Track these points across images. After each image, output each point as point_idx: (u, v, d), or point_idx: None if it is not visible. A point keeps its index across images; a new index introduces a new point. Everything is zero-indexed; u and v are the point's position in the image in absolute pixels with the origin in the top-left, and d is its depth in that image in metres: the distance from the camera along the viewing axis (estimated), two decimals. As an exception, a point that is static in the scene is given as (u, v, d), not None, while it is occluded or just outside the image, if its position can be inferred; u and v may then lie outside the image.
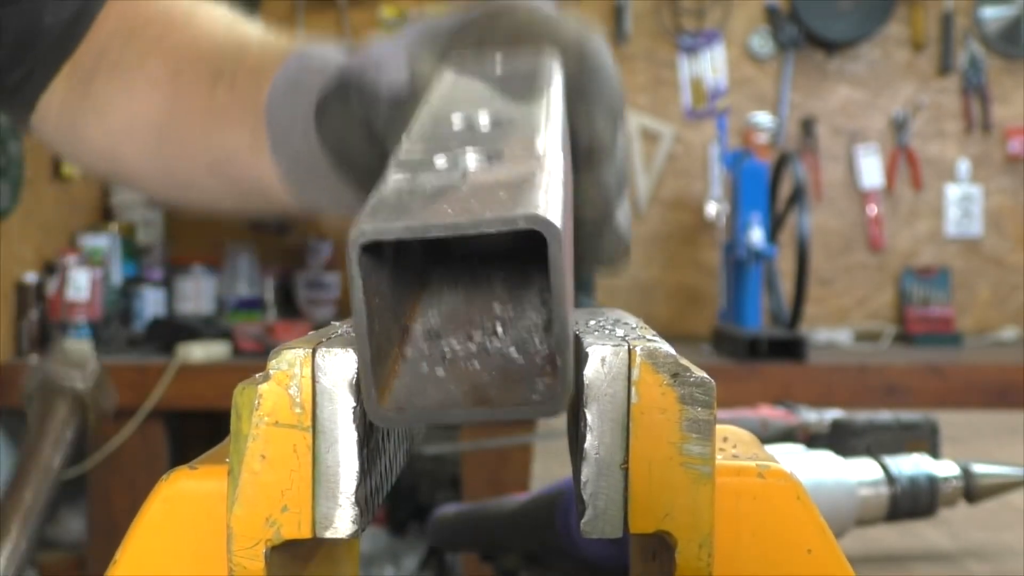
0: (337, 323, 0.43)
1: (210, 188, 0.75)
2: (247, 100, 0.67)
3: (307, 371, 0.35)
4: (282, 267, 3.12)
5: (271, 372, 0.35)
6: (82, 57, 0.76)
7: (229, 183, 0.73)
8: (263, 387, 0.35)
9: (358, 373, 0.34)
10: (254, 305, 2.99)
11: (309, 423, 0.35)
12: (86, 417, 0.87)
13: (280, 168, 0.64)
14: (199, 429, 2.73)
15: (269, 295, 3.01)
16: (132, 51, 0.75)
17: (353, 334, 0.37)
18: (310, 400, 0.35)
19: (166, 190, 0.79)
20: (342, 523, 0.36)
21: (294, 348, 0.36)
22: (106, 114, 0.75)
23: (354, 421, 0.35)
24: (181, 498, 0.37)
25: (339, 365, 0.35)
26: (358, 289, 0.31)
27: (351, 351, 0.35)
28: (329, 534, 0.36)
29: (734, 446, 0.43)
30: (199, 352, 2.46)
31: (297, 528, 0.36)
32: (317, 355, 0.35)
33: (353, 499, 0.36)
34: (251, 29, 0.74)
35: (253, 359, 2.50)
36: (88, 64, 0.76)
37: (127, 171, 0.79)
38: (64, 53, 0.76)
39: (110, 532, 2.43)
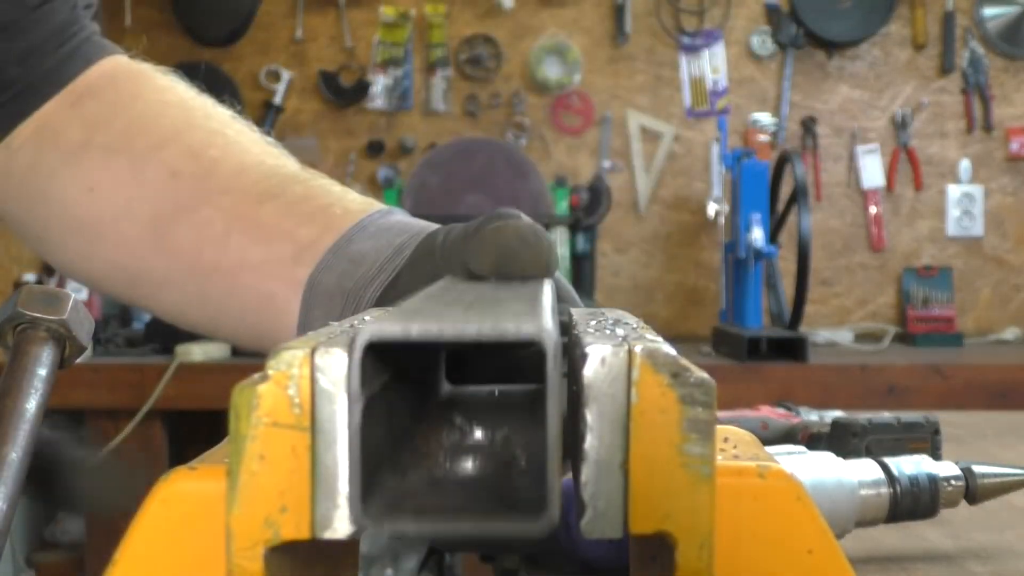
0: (336, 323, 0.43)
1: (185, 291, 0.74)
2: (301, 229, 0.68)
3: (306, 371, 0.35)
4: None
5: (269, 372, 0.35)
6: (61, 114, 0.75)
7: (219, 290, 0.72)
8: (261, 387, 0.35)
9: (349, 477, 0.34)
10: (254, 305, 2.99)
11: (308, 423, 0.35)
12: (63, 353, 0.82)
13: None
14: (198, 429, 2.73)
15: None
16: (142, 141, 0.74)
17: (354, 334, 0.38)
18: (309, 400, 0.35)
19: (130, 280, 0.77)
20: (341, 524, 0.36)
21: (293, 348, 0.36)
22: (99, 192, 0.74)
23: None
24: (180, 499, 0.37)
25: (338, 365, 0.35)
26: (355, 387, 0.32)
27: (351, 351, 0.35)
28: (328, 535, 0.36)
29: (734, 446, 0.43)
30: (198, 352, 2.46)
31: (296, 529, 0.35)
32: (316, 355, 0.35)
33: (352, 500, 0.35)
34: (279, 158, 0.74)
35: (252, 359, 2.49)
36: (74, 134, 0.74)
37: (98, 253, 0.76)
38: (50, 90, 0.74)
39: (109, 532, 2.42)
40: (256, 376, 0.36)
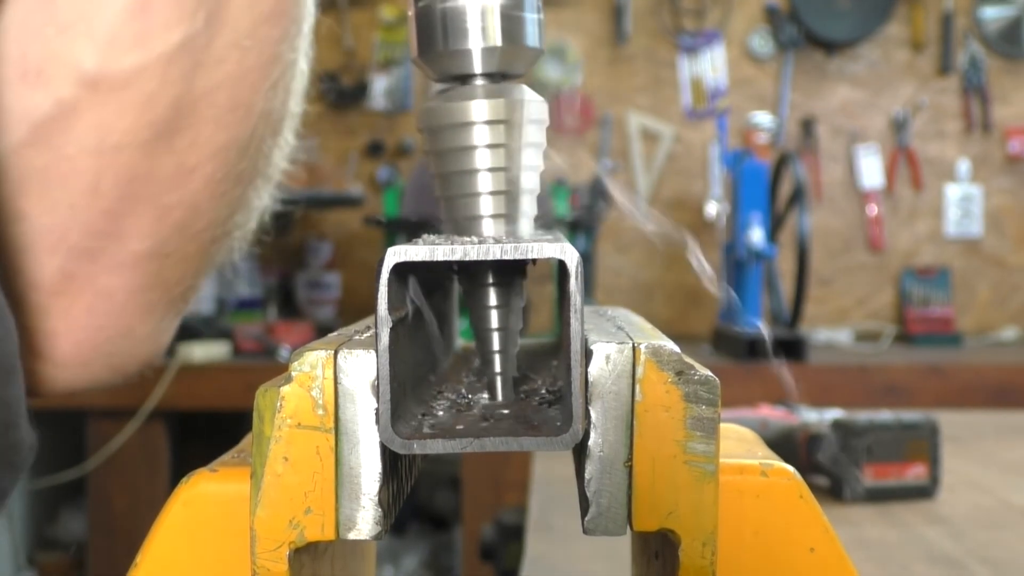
0: (363, 324, 0.43)
1: None
2: None
3: (329, 373, 0.35)
4: (282, 267, 3.12)
5: (293, 374, 0.35)
6: None
7: None
8: (285, 389, 0.35)
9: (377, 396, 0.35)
10: (254, 305, 2.99)
11: (332, 425, 0.35)
12: None
13: None
14: (199, 429, 2.73)
15: (269, 295, 3.01)
16: None
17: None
18: (332, 402, 0.35)
19: None
20: (365, 524, 0.36)
21: (316, 350, 0.36)
22: None
23: (376, 423, 0.35)
24: (202, 501, 0.37)
25: (361, 367, 0.35)
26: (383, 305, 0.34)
27: (373, 352, 0.35)
28: (353, 535, 0.36)
29: (737, 444, 0.43)
30: (199, 352, 2.46)
31: (321, 530, 0.35)
32: (339, 357, 0.35)
33: (376, 500, 0.36)
34: None
35: (253, 359, 2.50)
36: None
37: None
38: None
39: (110, 532, 2.42)
40: (279, 378, 0.36)
